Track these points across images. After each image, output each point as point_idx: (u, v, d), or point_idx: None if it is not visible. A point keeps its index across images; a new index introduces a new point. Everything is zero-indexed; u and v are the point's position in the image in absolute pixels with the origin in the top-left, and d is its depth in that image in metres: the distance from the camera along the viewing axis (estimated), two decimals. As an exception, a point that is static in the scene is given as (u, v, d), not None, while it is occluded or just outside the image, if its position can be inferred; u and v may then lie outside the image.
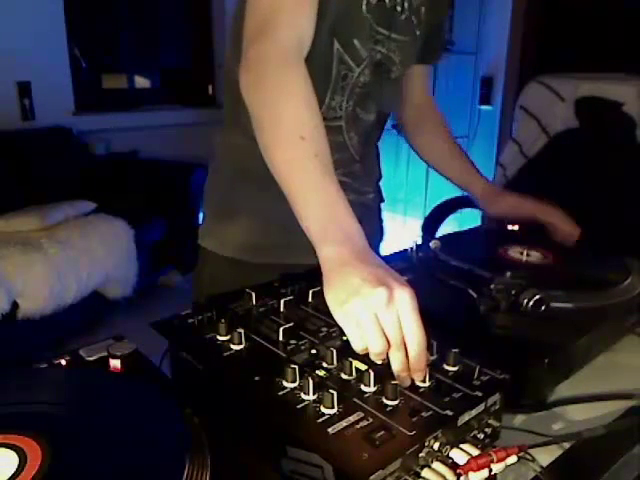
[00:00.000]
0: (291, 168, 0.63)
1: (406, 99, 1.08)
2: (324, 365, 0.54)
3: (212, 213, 0.98)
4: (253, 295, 0.66)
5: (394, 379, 0.50)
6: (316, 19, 0.72)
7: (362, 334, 0.51)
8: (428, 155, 1.11)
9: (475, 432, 0.49)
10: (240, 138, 0.87)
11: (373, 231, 1.07)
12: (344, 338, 0.58)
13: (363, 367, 0.53)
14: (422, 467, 0.44)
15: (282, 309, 0.65)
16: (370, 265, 0.54)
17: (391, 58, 0.87)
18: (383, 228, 1.18)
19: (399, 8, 0.84)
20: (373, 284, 0.51)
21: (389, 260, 0.84)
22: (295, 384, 0.50)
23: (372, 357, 0.52)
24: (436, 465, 0.44)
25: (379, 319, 0.50)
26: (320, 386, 0.49)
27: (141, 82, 3.89)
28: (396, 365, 0.51)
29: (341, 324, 0.53)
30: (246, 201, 0.92)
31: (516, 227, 1.00)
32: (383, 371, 0.53)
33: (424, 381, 0.51)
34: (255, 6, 0.71)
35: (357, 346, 0.52)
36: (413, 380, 0.51)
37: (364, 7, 0.79)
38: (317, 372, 0.53)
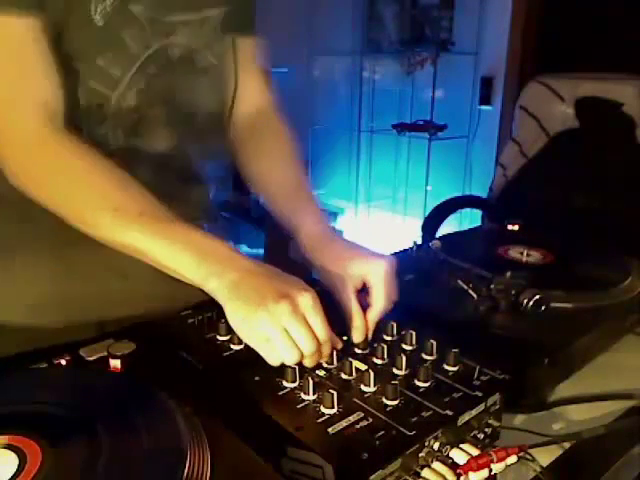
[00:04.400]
0: (128, 240, 0.56)
1: (232, 102, 0.79)
2: (324, 365, 0.54)
3: None
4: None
5: (394, 379, 0.50)
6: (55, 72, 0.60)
7: (274, 349, 0.50)
8: (264, 189, 0.78)
9: (475, 432, 0.49)
10: None
11: None
12: (344, 338, 0.58)
13: (363, 367, 0.53)
14: (422, 467, 0.44)
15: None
16: (262, 278, 0.52)
17: (193, 47, 0.69)
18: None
19: None
20: (273, 297, 0.50)
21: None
22: (295, 384, 0.50)
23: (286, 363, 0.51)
24: (436, 465, 0.44)
25: (288, 330, 0.50)
26: (320, 386, 0.49)
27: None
28: (309, 364, 0.52)
29: (252, 345, 0.51)
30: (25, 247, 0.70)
31: (516, 227, 1.00)
32: (383, 371, 0.53)
33: (425, 381, 0.51)
34: None
35: (272, 361, 0.51)
36: (413, 380, 0.51)
37: (97, 17, 0.60)
38: (317, 372, 0.53)
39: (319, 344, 0.51)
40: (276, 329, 0.49)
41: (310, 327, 0.51)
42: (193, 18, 0.68)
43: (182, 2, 0.66)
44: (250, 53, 0.80)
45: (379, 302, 0.60)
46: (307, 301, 0.51)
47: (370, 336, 0.59)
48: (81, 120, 0.65)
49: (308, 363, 0.52)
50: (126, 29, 0.63)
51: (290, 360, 0.50)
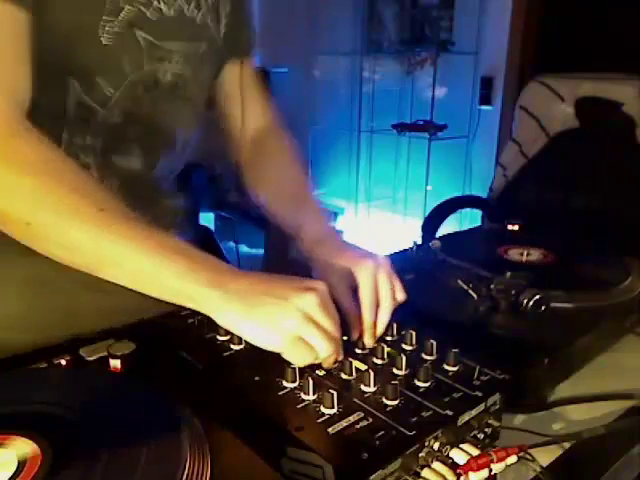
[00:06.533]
0: (100, 243, 0.50)
1: (233, 126, 0.84)
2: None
3: None
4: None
5: (394, 379, 0.50)
6: (27, 68, 0.57)
7: (305, 347, 0.50)
8: (268, 198, 0.79)
9: (475, 432, 0.49)
10: None
11: None
12: (344, 338, 0.58)
13: (363, 367, 0.53)
14: (422, 467, 0.44)
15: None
16: (268, 281, 0.52)
17: (184, 75, 0.71)
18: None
19: (188, 12, 0.67)
20: (298, 293, 0.50)
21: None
22: (295, 384, 0.50)
23: (314, 362, 0.51)
24: (436, 465, 0.44)
25: (320, 324, 0.50)
26: (320, 386, 0.49)
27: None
28: (332, 360, 0.52)
29: (278, 349, 0.50)
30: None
31: (516, 227, 1.00)
32: (383, 371, 0.53)
33: (425, 381, 0.51)
34: None
35: (304, 360, 0.50)
36: (413, 380, 0.51)
37: (104, 37, 0.61)
38: (317, 372, 0.53)
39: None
40: (308, 323, 0.49)
41: (334, 316, 0.51)
42: (188, 48, 0.70)
43: (181, 31, 0.68)
44: (247, 76, 0.83)
45: (365, 300, 0.59)
46: (326, 290, 0.52)
47: (367, 333, 0.58)
48: (64, 129, 0.66)
49: (332, 359, 0.52)
50: (126, 51, 0.64)
51: (328, 351, 0.50)
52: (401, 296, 0.61)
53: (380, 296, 0.60)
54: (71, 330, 0.62)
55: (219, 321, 0.51)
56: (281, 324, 0.49)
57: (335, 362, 0.53)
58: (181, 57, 0.69)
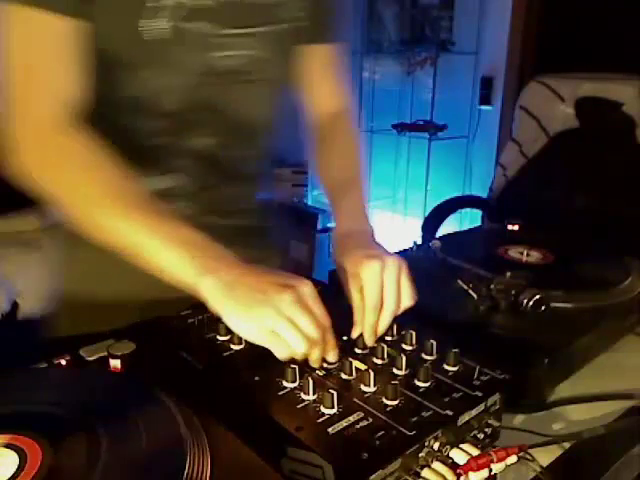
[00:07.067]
0: (119, 235, 0.59)
1: (307, 106, 0.86)
2: (324, 365, 0.54)
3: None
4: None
5: (394, 379, 0.50)
6: (86, 71, 0.63)
7: (282, 341, 0.51)
8: (322, 186, 0.81)
9: (475, 432, 0.49)
10: None
11: (264, 255, 0.77)
12: (344, 338, 0.58)
13: (363, 367, 0.53)
14: (422, 467, 0.44)
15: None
16: (258, 274, 0.54)
17: (247, 60, 0.71)
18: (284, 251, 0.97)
19: None
20: (275, 289, 0.51)
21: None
22: (295, 384, 0.50)
23: (295, 357, 0.52)
24: (436, 465, 0.44)
25: (294, 320, 0.51)
26: (320, 386, 0.49)
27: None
28: (315, 357, 0.53)
29: (259, 342, 0.52)
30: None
31: (516, 227, 1.00)
32: (383, 371, 0.53)
33: (425, 381, 0.51)
34: (8, 78, 0.61)
35: (283, 354, 0.51)
36: (413, 380, 0.51)
37: (145, 33, 0.63)
38: (317, 372, 0.53)
39: (324, 332, 0.52)
40: (282, 319, 0.50)
41: (314, 315, 0.52)
42: (250, 32, 0.70)
43: (240, 18, 0.69)
44: (323, 60, 0.83)
45: (368, 301, 0.59)
46: (308, 290, 0.52)
47: (366, 333, 0.58)
48: (123, 116, 0.70)
49: (315, 356, 0.52)
50: (179, 45, 0.66)
51: (299, 349, 0.51)
52: (407, 302, 0.60)
53: (384, 298, 0.60)
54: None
55: (211, 308, 0.54)
56: (258, 318, 0.51)
57: (326, 361, 0.54)
58: (244, 43, 0.70)
